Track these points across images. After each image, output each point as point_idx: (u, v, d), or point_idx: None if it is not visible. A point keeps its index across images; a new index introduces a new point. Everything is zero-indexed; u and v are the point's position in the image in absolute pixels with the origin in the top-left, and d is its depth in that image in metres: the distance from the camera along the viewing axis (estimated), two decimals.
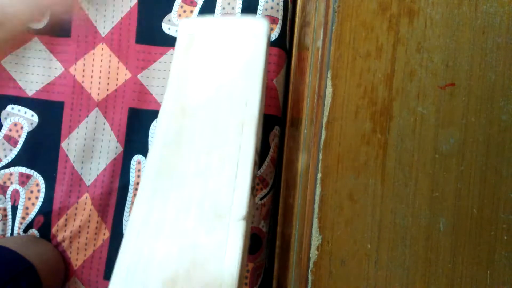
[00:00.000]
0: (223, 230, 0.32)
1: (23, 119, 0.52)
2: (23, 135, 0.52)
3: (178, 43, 0.42)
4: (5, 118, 0.52)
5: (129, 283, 0.31)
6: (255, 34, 0.40)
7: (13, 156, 0.52)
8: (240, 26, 0.41)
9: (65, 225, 0.51)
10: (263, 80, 0.38)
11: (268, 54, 0.40)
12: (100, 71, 0.53)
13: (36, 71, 0.53)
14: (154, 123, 0.51)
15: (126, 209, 0.51)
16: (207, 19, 0.43)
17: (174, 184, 0.35)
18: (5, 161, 0.52)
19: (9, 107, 0.52)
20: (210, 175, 0.35)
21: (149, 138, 0.51)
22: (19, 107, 0.52)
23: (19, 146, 0.52)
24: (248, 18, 0.42)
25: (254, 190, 0.36)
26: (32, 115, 0.53)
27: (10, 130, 0.52)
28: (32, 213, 0.51)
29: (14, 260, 0.42)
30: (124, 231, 0.50)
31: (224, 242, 0.32)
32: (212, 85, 0.39)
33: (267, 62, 0.40)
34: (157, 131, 0.38)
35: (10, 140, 0.52)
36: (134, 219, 0.34)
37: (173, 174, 0.36)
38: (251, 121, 0.36)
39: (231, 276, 0.30)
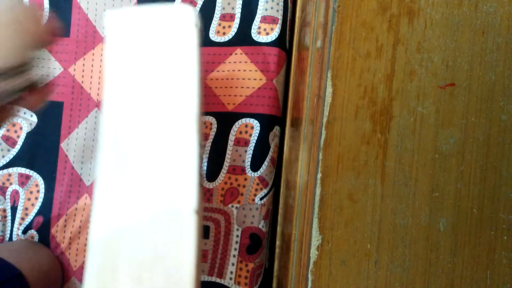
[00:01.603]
0: (178, 225, 0.35)
1: (22, 120, 0.52)
2: (22, 136, 0.52)
3: (107, 39, 0.40)
4: None
5: (100, 283, 0.33)
6: (184, 21, 0.39)
7: (12, 156, 0.52)
8: (168, 14, 0.40)
9: (65, 225, 0.51)
10: (198, 72, 0.38)
11: (199, 42, 0.39)
12: (99, 71, 0.52)
13: (36, 71, 0.53)
14: None
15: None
16: (132, 9, 0.41)
17: (129, 186, 0.37)
18: (3, 161, 0.52)
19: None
20: (160, 174, 0.37)
21: None
22: (18, 107, 0.52)
23: (18, 146, 0.52)
24: (174, 6, 0.40)
25: (202, 179, 0.37)
26: (31, 116, 0.52)
27: (8, 130, 0.52)
28: (32, 214, 0.51)
29: (2, 268, 0.42)
30: None
31: (179, 235, 0.34)
32: (148, 81, 0.39)
33: (200, 50, 0.39)
34: (102, 137, 0.39)
35: (8, 140, 0.52)
36: (97, 225, 0.36)
37: (126, 177, 0.37)
38: (191, 116, 0.37)
39: (190, 265, 0.33)
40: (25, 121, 0.52)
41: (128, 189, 0.37)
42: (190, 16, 0.39)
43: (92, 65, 0.52)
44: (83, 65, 0.53)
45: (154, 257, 0.34)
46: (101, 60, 0.53)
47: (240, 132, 0.49)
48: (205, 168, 0.50)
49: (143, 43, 0.40)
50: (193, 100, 0.37)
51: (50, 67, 0.53)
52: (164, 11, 0.40)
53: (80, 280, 0.50)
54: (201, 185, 0.38)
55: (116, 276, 0.34)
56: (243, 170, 0.48)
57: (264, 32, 0.49)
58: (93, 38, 0.52)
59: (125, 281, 0.34)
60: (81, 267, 0.50)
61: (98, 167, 0.38)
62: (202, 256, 0.48)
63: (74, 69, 0.53)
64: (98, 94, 0.52)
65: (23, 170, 0.52)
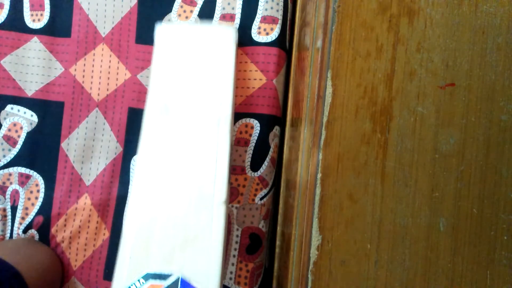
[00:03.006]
0: (209, 212, 0.39)
1: (22, 119, 0.52)
2: (23, 135, 0.52)
3: (156, 48, 0.47)
4: (4, 118, 0.52)
5: (133, 262, 0.36)
6: (225, 40, 0.46)
7: (12, 156, 0.52)
8: (211, 33, 0.46)
9: (65, 225, 0.51)
10: (233, 82, 0.44)
11: (237, 58, 0.47)
12: (100, 71, 0.53)
13: (36, 71, 0.53)
14: None
15: (126, 209, 0.50)
16: (182, 25, 0.48)
17: (165, 176, 0.41)
18: (4, 161, 0.52)
19: (9, 107, 0.52)
20: (194, 167, 0.41)
21: None
22: (19, 107, 0.52)
23: (18, 146, 0.52)
24: (219, 26, 0.48)
25: (229, 177, 0.42)
26: (32, 115, 0.52)
27: (9, 130, 0.52)
28: (32, 214, 0.51)
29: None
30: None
31: (209, 222, 0.38)
32: (190, 86, 0.44)
33: (236, 66, 0.46)
34: (144, 127, 0.44)
35: (9, 140, 0.52)
36: (133, 208, 0.40)
37: (163, 167, 0.41)
38: (226, 119, 0.42)
39: (218, 249, 0.37)
40: (26, 120, 0.52)
41: (165, 177, 0.41)
42: (231, 35, 0.46)
43: (93, 65, 0.53)
44: (84, 65, 0.53)
45: (185, 240, 0.37)
46: (101, 61, 0.53)
47: (240, 132, 0.49)
48: None
49: (188, 55, 0.46)
50: (227, 105, 0.43)
51: (51, 67, 0.53)
52: (209, 30, 0.47)
53: (80, 279, 0.50)
54: (229, 180, 0.42)
55: (148, 256, 0.37)
56: (243, 170, 0.48)
57: (264, 32, 0.49)
58: (93, 39, 0.53)
59: (156, 261, 0.36)
60: (81, 267, 0.50)
61: (138, 157, 0.42)
62: None
63: (75, 69, 0.53)
64: (98, 94, 0.52)
65: (23, 170, 0.52)
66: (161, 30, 0.47)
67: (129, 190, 0.50)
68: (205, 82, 0.44)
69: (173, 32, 0.47)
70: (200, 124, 0.43)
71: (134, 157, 0.51)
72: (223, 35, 0.46)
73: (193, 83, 0.44)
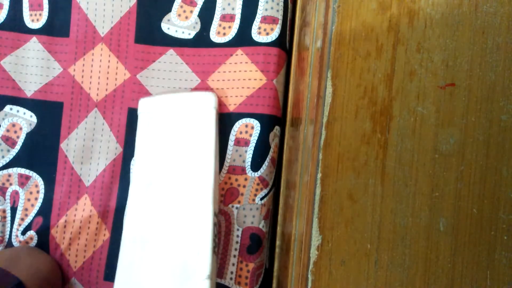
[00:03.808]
0: None
1: (21, 120, 0.52)
2: (22, 136, 0.52)
3: (139, 121, 0.49)
4: (3, 119, 0.52)
5: None
6: (205, 106, 0.47)
7: (11, 157, 0.52)
8: (192, 100, 0.48)
9: (65, 226, 0.51)
10: (215, 145, 0.45)
11: (218, 121, 0.48)
12: (99, 71, 0.52)
13: (35, 72, 0.53)
14: None
15: (126, 210, 0.50)
16: (162, 96, 0.50)
17: (148, 250, 0.42)
18: (3, 162, 0.52)
19: (7, 108, 0.52)
20: (178, 241, 0.42)
21: None
22: (18, 107, 0.52)
23: (17, 147, 0.52)
24: (199, 93, 0.49)
25: (215, 248, 0.43)
26: (31, 116, 0.52)
27: (7, 130, 0.52)
28: (31, 214, 0.51)
29: (2, 278, 0.42)
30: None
31: None
32: (173, 157, 0.46)
33: (218, 128, 0.47)
34: (129, 203, 0.45)
35: (8, 140, 0.52)
36: (120, 285, 0.42)
37: (148, 241, 0.42)
38: (207, 188, 0.43)
39: None
40: (25, 121, 0.52)
41: (150, 251, 0.42)
42: (210, 100, 0.47)
43: (92, 65, 0.52)
44: (83, 65, 0.53)
45: None
46: (100, 61, 0.52)
47: (240, 132, 0.49)
48: None
49: (170, 122, 0.47)
50: (210, 174, 0.43)
51: (49, 67, 0.53)
52: (189, 97, 0.48)
53: (80, 280, 0.50)
54: (214, 252, 0.42)
55: None
56: (243, 170, 0.48)
57: (264, 32, 0.49)
58: (92, 38, 0.52)
59: None
60: (81, 268, 0.50)
61: (124, 232, 0.44)
62: None
63: (74, 69, 0.53)
64: (97, 95, 0.52)
65: (22, 171, 0.52)
66: (143, 102, 0.49)
67: (128, 195, 0.51)
68: (187, 152, 0.45)
69: (154, 103, 0.49)
70: (183, 196, 0.43)
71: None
72: (203, 101, 0.47)
73: (176, 155, 0.46)
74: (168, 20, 0.52)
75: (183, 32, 0.51)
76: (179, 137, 0.46)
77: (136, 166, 0.46)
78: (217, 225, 0.45)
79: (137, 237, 0.43)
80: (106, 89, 0.52)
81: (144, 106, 0.49)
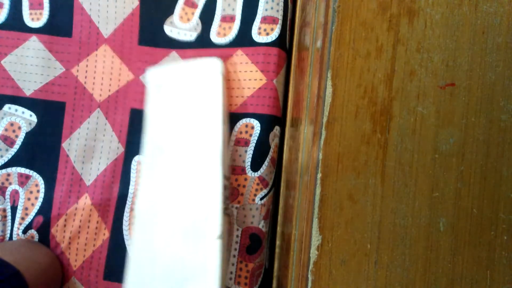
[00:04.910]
0: (203, 250, 0.40)
1: (21, 119, 0.52)
2: (21, 135, 0.52)
3: (148, 91, 0.50)
4: (2, 118, 0.52)
5: None
6: (212, 71, 0.47)
7: (10, 156, 0.52)
8: (197, 67, 0.48)
9: (65, 225, 0.51)
10: (223, 110, 0.45)
11: (225, 87, 0.48)
12: (102, 72, 0.53)
13: (35, 71, 0.53)
14: None
15: (126, 210, 0.50)
16: (170, 66, 0.50)
17: (161, 214, 0.43)
18: (1, 161, 0.52)
19: (6, 107, 0.52)
20: (189, 202, 0.42)
21: None
22: (17, 106, 0.52)
23: (17, 146, 0.52)
24: (204, 59, 0.49)
25: (226, 210, 0.43)
26: (31, 115, 0.53)
27: (6, 130, 0.52)
28: (32, 214, 0.51)
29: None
30: (123, 232, 0.50)
31: (205, 260, 0.39)
32: (183, 124, 0.46)
33: (225, 93, 0.48)
34: (142, 169, 0.46)
35: (6, 140, 0.52)
36: (133, 248, 0.42)
37: (161, 205, 0.43)
38: (216, 151, 0.43)
39: (216, 285, 0.39)
40: (24, 120, 0.52)
41: (163, 215, 0.43)
42: (217, 66, 0.47)
43: (95, 66, 0.53)
44: (87, 66, 0.53)
45: (184, 278, 0.39)
46: (104, 62, 0.53)
47: (241, 132, 0.49)
48: None
49: (179, 89, 0.48)
50: (218, 137, 0.44)
51: (50, 66, 0.53)
52: (196, 64, 0.49)
53: (80, 279, 0.50)
54: (225, 213, 0.43)
55: None
56: (243, 170, 0.49)
57: (264, 33, 0.49)
58: (96, 40, 0.53)
59: None
60: (81, 267, 0.50)
61: (138, 199, 0.44)
62: None
63: (77, 70, 0.53)
64: (100, 95, 0.52)
65: (22, 170, 0.52)
66: (151, 73, 0.50)
67: (128, 195, 0.51)
68: (196, 118, 0.46)
69: (162, 72, 0.50)
70: (193, 160, 0.44)
71: (135, 158, 0.51)
72: (209, 68, 0.48)
73: (185, 121, 0.46)
74: (171, 22, 0.52)
75: (185, 34, 0.52)
76: (187, 103, 0.47)
77: (147, 134, 0.47)
78: (227, 188, 0.46)
79: (151, 202, 0.44)
80: (109, 90, 0.52)
81: (152, 76, 0.50)
